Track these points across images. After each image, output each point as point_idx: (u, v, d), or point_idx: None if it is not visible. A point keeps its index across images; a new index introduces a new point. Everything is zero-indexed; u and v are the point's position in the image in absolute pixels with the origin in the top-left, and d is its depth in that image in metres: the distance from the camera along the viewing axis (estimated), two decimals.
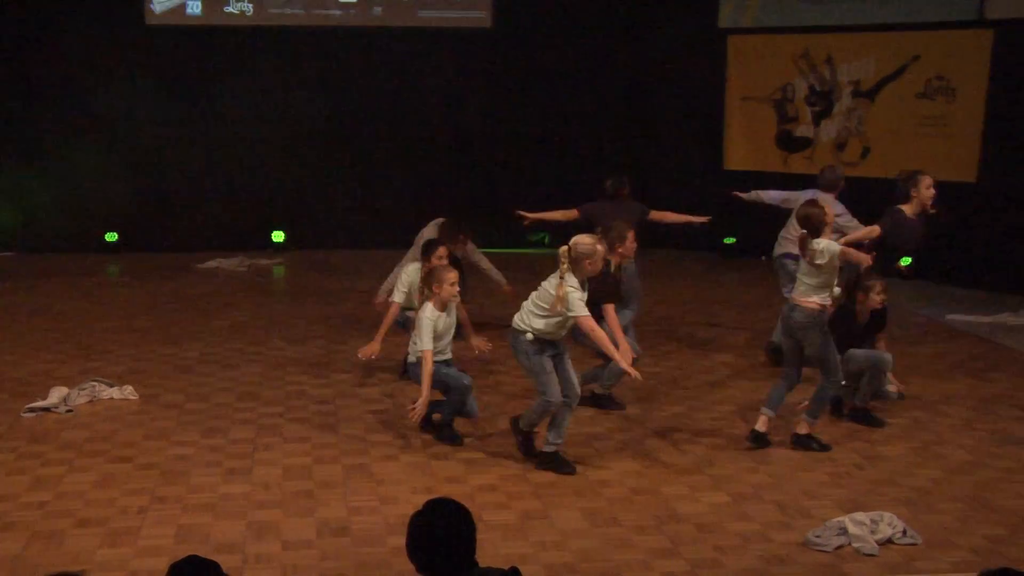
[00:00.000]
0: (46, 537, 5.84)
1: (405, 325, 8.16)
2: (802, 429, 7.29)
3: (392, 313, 8.04)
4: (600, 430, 7.67)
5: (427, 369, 6.95)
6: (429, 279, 7.21)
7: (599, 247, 6.56)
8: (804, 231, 7.03)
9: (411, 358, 7.29)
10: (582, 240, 6.54)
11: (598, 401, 8.09)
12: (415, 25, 14.39)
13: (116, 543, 5.78)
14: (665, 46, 14.36)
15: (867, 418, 7.80)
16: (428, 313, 7.09)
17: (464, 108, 14.41)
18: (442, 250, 8.06)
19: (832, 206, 8.88)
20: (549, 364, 6.69)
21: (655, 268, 9.67)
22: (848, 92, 13.22)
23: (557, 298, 6.46)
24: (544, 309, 6.60)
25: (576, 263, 6.49)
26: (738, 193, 9.65)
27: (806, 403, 7.31)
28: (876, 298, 7.77)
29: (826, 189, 9.04)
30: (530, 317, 6.67)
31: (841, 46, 13.21)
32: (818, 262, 6.92)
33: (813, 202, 7.28)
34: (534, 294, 6.69)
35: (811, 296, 7.00)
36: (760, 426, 7.27)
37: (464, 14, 14.48)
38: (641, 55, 14.58)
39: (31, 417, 7.74)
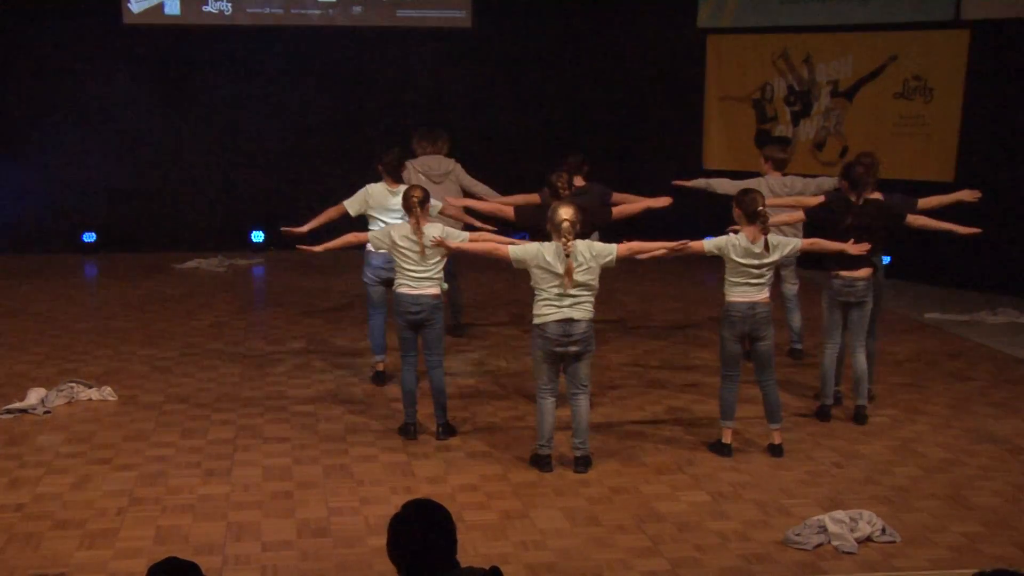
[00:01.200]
0: (23, 539, 5.81)
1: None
2: (778, 439, 7.26)
3: (333, 211, 8.47)
4: None
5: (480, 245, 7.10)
6: (423, 197, 7.24)
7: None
8: (759, 224, 6.91)
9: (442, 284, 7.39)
10: (567, 210, 6.63)
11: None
12: (395, 25, 14.38)
13: (94, 545, 5.76)
14: (644, 45, 14.39)
15: (864, 416, 7.83)
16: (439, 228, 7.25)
17: (445, 108, 14.37)
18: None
19: (783, 187, 8.94)
20: None
21: (633, 267, 9.69)
22: (826, 92, 13.27)
23: (602, 256, 6.68)
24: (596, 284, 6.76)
25: (575, 229, 6.61)
26: (681, 181, 9.53)
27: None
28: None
29: (778, 169, 9.12)
30: (592, 300, 6.77)
31: (819, 46, 13.26)
32: (772, 259, 6.95)
33: (745, 191, 7.11)
34: (578, 290, 6.63)
35: (768, 291, 7.07)
36: (726, 439, 7.23)
37: (444, 13, 14.47)
38: (620, 55, 14.60)
39: (8, 419, 7.69)
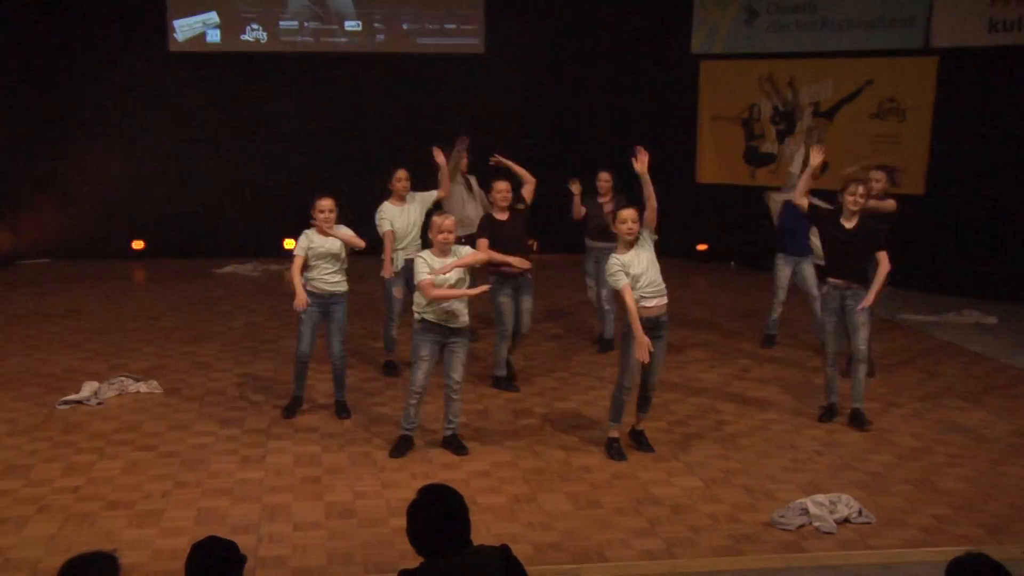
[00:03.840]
0: (79, 519, 5.84)
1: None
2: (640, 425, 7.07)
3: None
4: (583, 420, 7.68)
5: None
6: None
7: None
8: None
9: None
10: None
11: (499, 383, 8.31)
12: (414, 51, 14.41)
13: (142, 524, 5.78)
14: (643, 70, 14.38)
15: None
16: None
17: (458, 127, 14.35)
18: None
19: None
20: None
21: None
22: (809, 112, 13.24)
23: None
24: None
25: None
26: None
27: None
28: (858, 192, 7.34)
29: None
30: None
31: (802, 71, 13.24)
32: (642, 266, 6.79)
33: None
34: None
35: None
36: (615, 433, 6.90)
37: (459, 41, 14.50)
38: (621, 78, 14.59)
39: (65, 409, 7.73)
